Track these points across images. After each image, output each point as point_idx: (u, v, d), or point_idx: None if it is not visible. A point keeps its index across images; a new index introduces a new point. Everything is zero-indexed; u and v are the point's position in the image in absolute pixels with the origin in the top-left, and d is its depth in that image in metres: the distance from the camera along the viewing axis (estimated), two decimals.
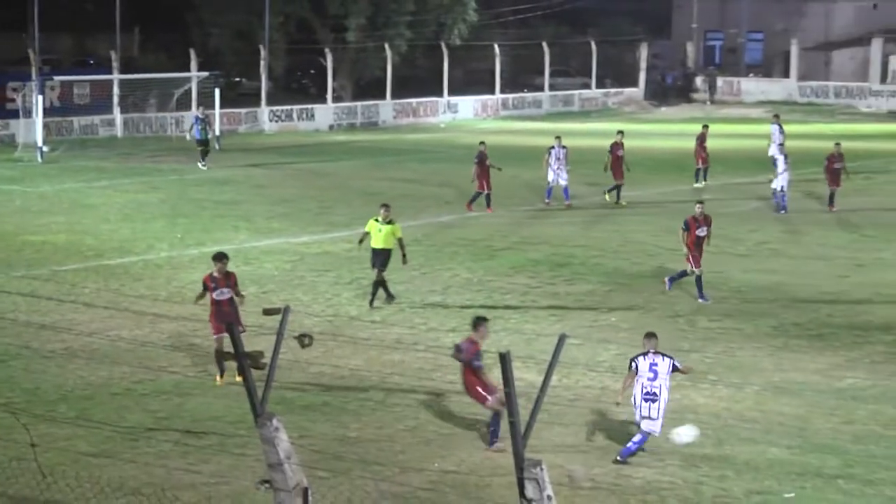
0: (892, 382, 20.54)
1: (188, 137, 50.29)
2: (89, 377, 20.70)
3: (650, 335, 17.36)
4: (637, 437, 16.96)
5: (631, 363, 17.21)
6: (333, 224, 35.92)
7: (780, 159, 39.15)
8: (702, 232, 26.70)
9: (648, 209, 38.37)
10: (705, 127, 45.37)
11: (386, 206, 26.20)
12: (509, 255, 31.46)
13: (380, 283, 25.66)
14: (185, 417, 18.59)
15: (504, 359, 11.55)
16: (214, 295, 20.46)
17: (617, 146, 39.98)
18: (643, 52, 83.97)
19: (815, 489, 15.93)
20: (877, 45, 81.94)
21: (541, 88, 79.13)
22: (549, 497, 11.73)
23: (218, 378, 20.11)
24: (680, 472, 16.48)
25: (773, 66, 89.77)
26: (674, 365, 17.11)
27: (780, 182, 38.15)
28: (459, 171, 43.36)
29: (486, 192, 37.80)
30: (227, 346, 16.60)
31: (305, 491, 12.37)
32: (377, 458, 16.78)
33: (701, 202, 27.78)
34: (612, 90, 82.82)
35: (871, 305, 26.09)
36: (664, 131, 65.05)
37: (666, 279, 27.27)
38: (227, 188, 43.05)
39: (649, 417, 16.91)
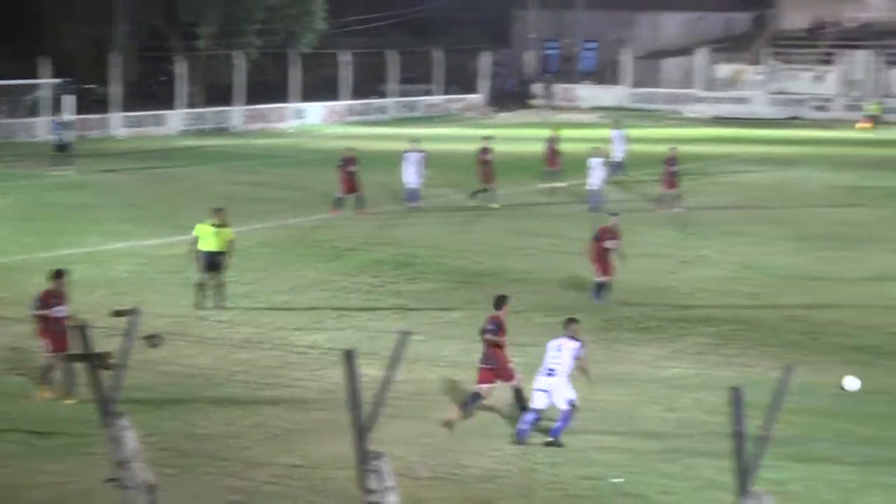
0: (713, 371, 20.98)
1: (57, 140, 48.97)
2: None
3: (570, 320, 17.95)
4: (528, 417, 17.35)
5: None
6: (183, 227, 35.22)
7: (598, 161, 39.26)
8: (611, 244, 26.50)
9: (490, 210, 38.60)
10: (556, 131, 45.71)
11: (219, 209, 26.00)
12: (354, 255, 31.43)
13: (207, 285, 25.36)
14: (32, 418, 18.20)
15: (349, 356, 11.58)
16: (53, 311, 19.53)
17: (484, 152, 40.13)
18: (484, 60, 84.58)
19: (641, 473, 16.21)
20: (701, 55, 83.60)
21: (387, 95, 79.21)
22: (390, 488, 11.78)
23: (44, 393, 19.31)
24: (515, 461, 16.64)
25: (606, 73, 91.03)
26: (575, 351, 17.38)
27: (597, 181, 38.60)
28: (308, 175, 43.25)
29: (357, 193, 37.59)
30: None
31: (152, 487, 12.24)
32: (224, 454, 16.65)
33: (616, 214, 27.77)
34: (455, 96, 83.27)
35: (694, 299, 26.63)
36: (504, 136, 65.43)
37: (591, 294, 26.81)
38: (79, 193, 42.25)
39: (542, 390, 17.22)
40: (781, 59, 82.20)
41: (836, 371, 20.93)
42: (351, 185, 37.72)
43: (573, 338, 17.61)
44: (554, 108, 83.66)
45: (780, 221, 37.14)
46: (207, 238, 25.54)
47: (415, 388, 19.60)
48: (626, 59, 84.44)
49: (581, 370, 17.77)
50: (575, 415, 17.29)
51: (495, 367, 18.60)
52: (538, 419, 17.39)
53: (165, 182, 45.81)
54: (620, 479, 16.00)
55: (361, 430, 11.72)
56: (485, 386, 18.52)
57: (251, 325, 23.83)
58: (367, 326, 23.91)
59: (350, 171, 37.74)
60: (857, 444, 17.16)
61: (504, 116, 79.90)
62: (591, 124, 69.18)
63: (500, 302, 19.09)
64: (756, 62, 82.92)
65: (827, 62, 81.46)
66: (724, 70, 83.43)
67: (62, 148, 47.99)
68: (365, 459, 11.74)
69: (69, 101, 54.76)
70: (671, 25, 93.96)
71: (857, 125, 70.31)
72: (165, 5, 74.91)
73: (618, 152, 46.01)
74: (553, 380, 17.36)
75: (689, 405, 19.06)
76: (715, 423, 17.66)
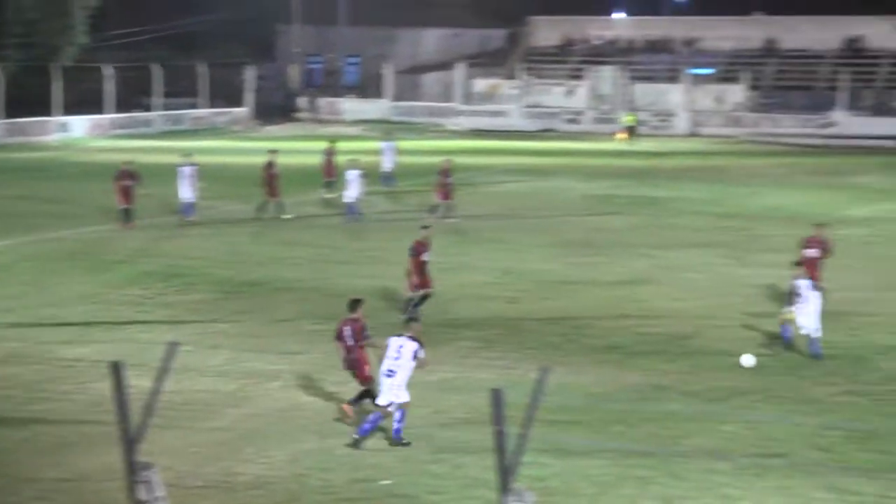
0: (476, 373, 21.23)
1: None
2: None
3: (411, 320, 18.88)
4: (372, 417, 17.31)
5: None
6: None
7: (355, 174, 38.97)
8: (426, 257, 25.92)
9: (257, 222, 38.24)
10: (332, 143, 45.55)
11: None
12: (124, 268, 30.74)
13: None
14: None
15: (116, 368, 11.31)
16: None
17: (270, 165, 39.78)
18: (249, 74, 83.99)
19: (410, 475, 16.29)
20: (460, 70, 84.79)
21: (151, 108, 77.84)
22: (160, 498, 11.55)
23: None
24: (286, 467, 16.52)
25: (369, 87, 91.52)
26: (415, 352, 17.40)
27: (352, 194, 38.60)
28: (73, 188, 42.13)
29: (128, 206, 36.73)
30: None
31: None
32: None
33: (427, 227, 27.40)
34: (221, 110, 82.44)
35: (457, 305, 26.88)
36: (269, 148, 65.02)
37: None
38: None
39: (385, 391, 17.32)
40: (534, 74, 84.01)
41: (591, 371, 21.49)
42: (126, 198, 36.81)
43: (413, 338, 17.68)
44: (319, 121, 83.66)
45: (538, 229, 37.89)
46: None
47: (184, 398, 19.32)
48: (388, 74, 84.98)
49: (421, 369, 17.86)
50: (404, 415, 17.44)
51: (356, 367, 18.58)
52: (380, 419, 17.34)
53: None
54: (390, 482, 16.05)
55: (130, 442, 11.47)
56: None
57: (16, 340, 23.06)
58: (137, 338, 23.41)
59: (125, 184, 36.80)
60: (610, 439, 17.60)
61: (270, 129, 79.52)
62: (356, 137, 69.29)
63: (355, 305, 18.98)
64: (511, 77, 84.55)
65: (577, 77, 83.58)
66: (480, 84, 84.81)
67: None
68: (134, 470, 11.49)
69: None
70: (430, 41, 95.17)
71: (617, 136, 72.18)
72: None
73: (387, 163, 46.17)
74: (391, 381, 17.36)
75: (454, 407, 19.24)
76: (478, 424, 17.90)
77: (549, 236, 36.51)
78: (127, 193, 36.85)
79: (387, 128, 63.95)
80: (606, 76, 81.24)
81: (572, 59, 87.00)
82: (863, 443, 17.57)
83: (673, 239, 36.13)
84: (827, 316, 24.28)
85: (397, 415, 17.42)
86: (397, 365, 17.44)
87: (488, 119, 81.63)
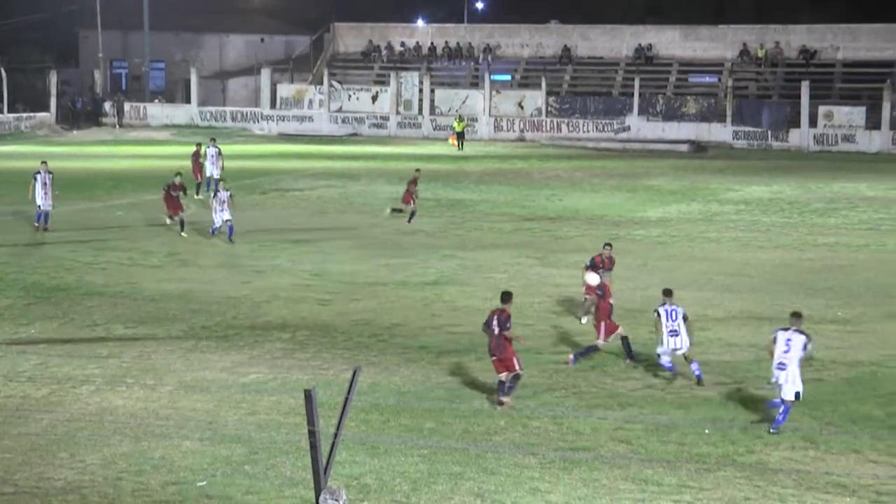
0: (290, 375, 21.09)
1: None
2: None
3: (796, 315, 19.02)
4: (783, 409, 18.34)
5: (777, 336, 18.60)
6: None
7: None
8: None
9: (68, 227, 37.25)
10: (199, 146, 45.54)
11: None
12: None
13: None
14: None
15: None
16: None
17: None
18: (53, 79, 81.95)
19: (225, 476, 16.07)
20: (265, 75, 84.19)
21: None
22: None
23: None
24: (100, 471, 16.12)
25: (175, 92, 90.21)
26: (804, 344, 18.45)
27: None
28: None
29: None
30: None
31: None
32: None
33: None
34: (25, 115, 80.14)
35: (269, 307, 26.66)
36: (76, 153, 63.65)
37: None
38: None
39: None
40: (340, 80, 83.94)
41: (402, 370, 21.54)
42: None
43: (800, 332, 18.53)
44: (124, 126, 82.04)
45: (346, 232, 37.82)
46: None
47: None
48: (194, 79, 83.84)
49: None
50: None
51: (503, 358, 19.44)
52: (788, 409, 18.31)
53: None
54: (203, 483, 15.80)
55: None
56: (504, 373, 19.42)
57: None
58: None
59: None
60: (422, 436, 17.67)
61: (78, 134, 77.68)
62: (165, 142, 68.19)
63: (507, 297, 19.95)
64: (317, 82, 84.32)
65: (381, 83, 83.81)
66: (286, 90, 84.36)
67: None
68: None
69: None
70: (235, 47, 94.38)
71: (450, 140, 72.24)
72: None
73: (213, 169, 45.34)
74: (784, 373, 18.27)
75: (268, 408, 19.06)
76: (293, 424, 17.82)
77: (358, 239, 36.51)
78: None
79: (212, 133, 62.99)
80: (409, 81, 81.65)
81: (376, 64, 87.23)
82: (663, 435, 18.01)
83: (478, 240, 36.51)
84: (626, 314, 24.85)
85: (785, 407, 18.28)
86: (788, 358, 18.30)
87: (295, 124, 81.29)
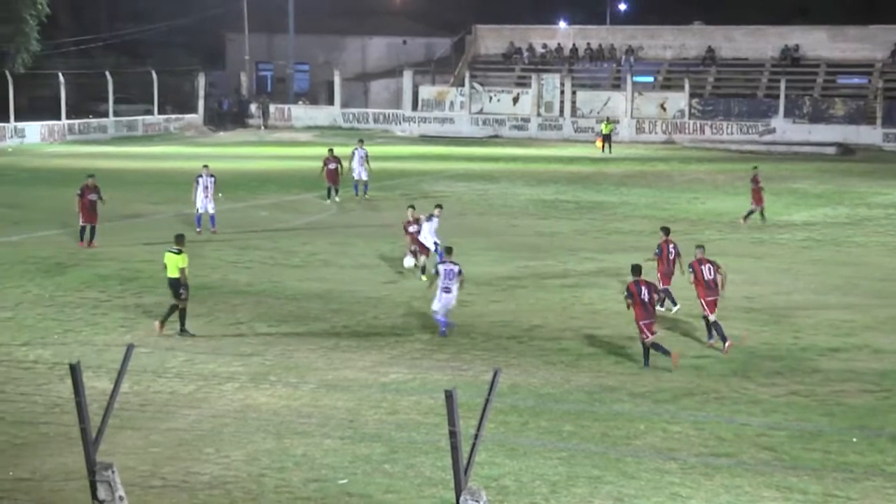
0: (429, 375, 21.22)
1: None
2: None
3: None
4: None
5: None
6: None
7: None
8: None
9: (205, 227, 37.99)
10: (331, 150, 45.14)
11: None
12: (78, 271, 30.46)
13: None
14: None
15: (73, 370, 11.22)
16: None
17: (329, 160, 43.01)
18: (201, 81, 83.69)
19: (365, 474, 16.23)
20: (407, 76, 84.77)
21: (105, 115, 77.27)
22: (120, 497, 11.48)
23: None
24: (244, 467, 16.41)
25: (318, 93, 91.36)
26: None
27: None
28: (27, 193, 41.66)
29: (93, 224, 34.35)
30: None
31: None
32: None
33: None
34: (174, 116, 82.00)
35: (409, 307, 26.85)
36: (222, 154, 64.89)
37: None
38: None
39: None
40: (480, 82, 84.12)
41: (541, 373, 21.51)
42: (89, 215, 34.27)
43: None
44: (269, 127, 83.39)
45: (485, 233, 37.90)
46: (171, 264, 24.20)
47: (142, 399, 19.19)
48: (337, 80, 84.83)
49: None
50: None
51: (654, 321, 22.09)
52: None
53: None
54: (344, 481, 15.99)
55: (90, 442, 11.38)
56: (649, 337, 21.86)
57: None
58: (93, 340, 23.22)
59: (90, 199, 35.25)
60: (561, 439, 17.62)
61: (224, 135, 79.21)
62: (307, 143, 69.14)
63: (638, 270, 22.59)
64: (458, 84, 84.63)
65: (522, 85, 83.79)
66: (427, 91, 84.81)
67: None
68: (94, 470, 11.41)
69: None
70: (377, 49, 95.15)
71: (597, 143, 71.74)
72: None
73: (360, 171, 45.58)
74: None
75: (407, 408, 19.20)
76: (432, 424, 17.93)
77: (498, 240, 36.55)
78: (91, 209, 34.37)
79: (360, 135, 63.64)
80: (550, 84, 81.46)
81: (517, 66, 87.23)
82: (807, 442, 17.69)
83: (618, 243, 36.27)
84: (770, 319, 24.48)
85: None
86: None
87: (436, 125, 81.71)
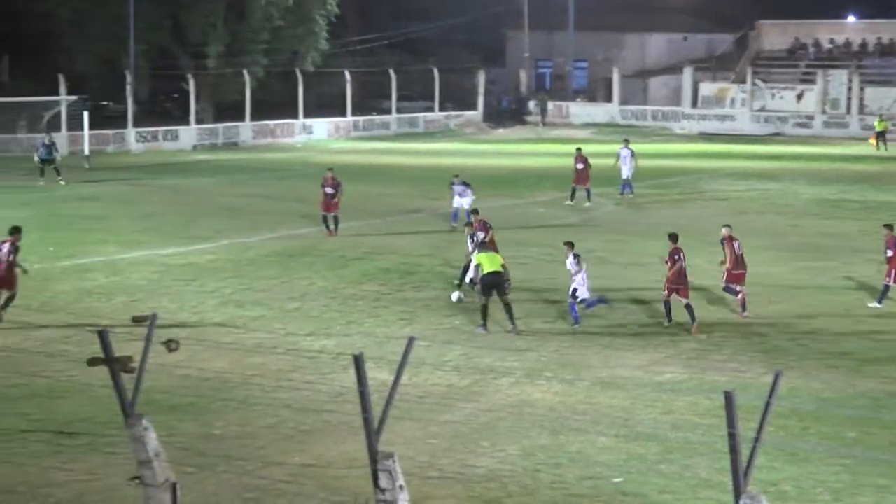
0: (705, 376, 20.93)
1: (35, 159, 49.44)
2: None
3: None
4: None
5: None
6: (196, 237, 35.48)
7: (462, 189, 37.54)
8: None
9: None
10: (579, 150, 44.27)
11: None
12: (361, 264, 31.36)
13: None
14: (58, 419, 18.14)
15: (358, 360, 11.54)
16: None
17: (578, 159, 42.44)
18: (481, 79, 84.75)
19: (640, 474, 16.14)
20: (687, 73, 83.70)
21: (388, 111, 79.25)
22: (401, 487, 11.73)
23: None
24: (519, 462, 16.56)
25: (597, 91, 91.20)
26: None
27: (462, 202, 37.25)
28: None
29: (333, 213, 35.85)
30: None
31: (174, 486, 12.19)
32: (240, 453, 16.57)
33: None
34: (453, 113, 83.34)
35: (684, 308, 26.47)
36: (500, 150, 65.63)
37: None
38: (94, 204, 42.24)
39: None
40: (763, 79, 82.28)
41: (822, 376, 20.92)
42: (328, 206, 35.81)
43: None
44: (547, 124, 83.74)
45: (765, 232, 37.03)
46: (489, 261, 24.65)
47: (420, 391, 19.55)
48: (615, 77, 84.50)
49: None
50: None
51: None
52: None
53: (178, 194, 45.81)
54: (619, 479, 15.94)
55: (372, 432, 11.67)
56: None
57: (264, 331, 23.80)
58: (375, 332, 23.86)
59: (326, 192, 36.05)
60: (844, 445, 17.09)
61: (502, 132, 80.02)
62: (585, 140, 69.10)
63: (675, 238, 25.25)
64: (739, 81, 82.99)
65: (806, 81, 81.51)
66: (708, 88, 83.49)
67: (48, 162, 48.61)
68: (376, 459, 11.70)
69: (83, 117, 55.27)
70: (657, 45, 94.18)
71: (870, 140, 69.42)
72: (174, 26, 75.03)
73: (626, 170, 45.19)
74: None
75: (683, 408, 18.98)
76: (708, 426, 17.67)
77: (777, 240, 35.69)
78: (328, 201, 35.79)
79: (625, 134, 63.30)
80: (837, 80, 78.94)
81: (802, 63, 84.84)
82: None
83: None
84: None
85: None
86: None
87: (716, 123, 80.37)
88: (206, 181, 50.16)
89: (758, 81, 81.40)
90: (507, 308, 24.39)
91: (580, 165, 43.20)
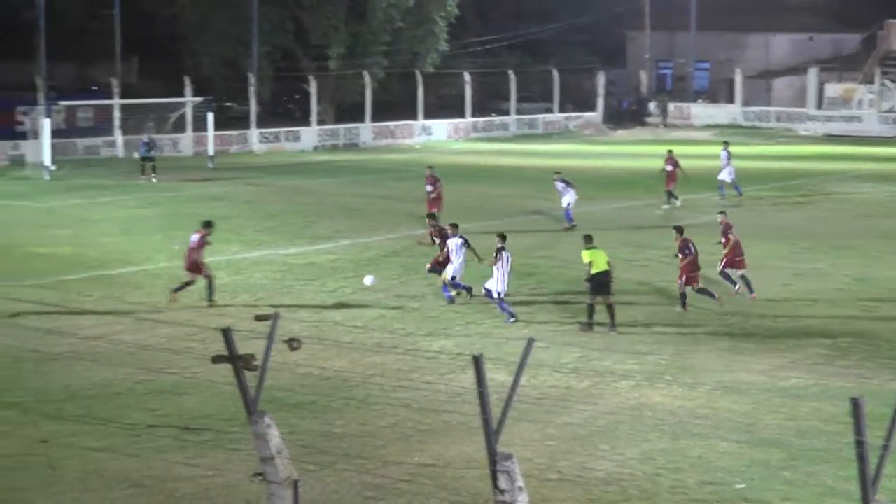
0: (830, 382, 20.57)
1: (135, 157, 52.09)
2: (93, 378, 20.57)
3: None
4: None
5: None
6: (318, 237, 35.85)
7: (563, 186, 37.97)
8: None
9: (605, 224, 38.21)
10: (670, 151, 43.64)
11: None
12: (479, 265, 31.29)
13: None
14: (183, 415, 18.49)
15: (477, 361, 11.55)
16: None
17: (668, 161, 42.18)
18: (600, 80, 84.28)
19: (763, 480, 15.93)
20: (812, 74, 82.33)
21: (507, 112, 79.24)
22: (520, 488, 11.71)
23: None
24: (639, 465, 16.44)
25: (718, 92, 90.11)
26: None
27: (567, 201, 37.63)
28: None
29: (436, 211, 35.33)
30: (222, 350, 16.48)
31: (295, 483, 12.32)
32: (360, 452, 16.71)
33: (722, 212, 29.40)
34: (573, 114, 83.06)
35: (810, 311, 26.12)
36: (619, 152, 65.24)
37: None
38: (219, 204, 42.88)
39: None
40: (892, 79, 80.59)
41: None
42: (428, 204, 36.25)
43: None
44: (668, 125, 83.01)
45: (893, 236, 36.30)
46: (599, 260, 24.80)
47: (538, 392, 19.53)
48: (738, 78, 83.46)
49: None
50: None
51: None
52: None
53: (299, 194, 46.32)
54: (742, 486, 15.74)
55: (492, 432, 11.67)
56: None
57: (384, 331, 23.96)
58: (493, 333, 23.88)
59: (426, 189, 36.53)
60: None
61: (621, 134, 79.49)
62: (704, 142, 68.38)
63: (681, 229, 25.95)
64: (867, 81, 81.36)
65: None
66: (834, 89, 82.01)
67: (148, 159, 50.46)
68: (496, 460, 11.69)
69: (207, 118, 56.29)
70: (781, 46, 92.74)
71: None
72: (297, 28, 75.84)
73: (724, 173, 44.58)
74: None
75: (807, 414, 18.67)
76: (833, 433, 17.35)
77: None
78: (430, 201, 36.44)
79: (721, 133, 62.46)
80: None
81: None
82: None
83: None
84: None
85: None
86: None
87: (842, 124, 78.86)
88: (327, 182, 50.64)
89: (886, 82, 79.74)
90: (610, 309, 24.27)
91: (669, 167, 42.65)
